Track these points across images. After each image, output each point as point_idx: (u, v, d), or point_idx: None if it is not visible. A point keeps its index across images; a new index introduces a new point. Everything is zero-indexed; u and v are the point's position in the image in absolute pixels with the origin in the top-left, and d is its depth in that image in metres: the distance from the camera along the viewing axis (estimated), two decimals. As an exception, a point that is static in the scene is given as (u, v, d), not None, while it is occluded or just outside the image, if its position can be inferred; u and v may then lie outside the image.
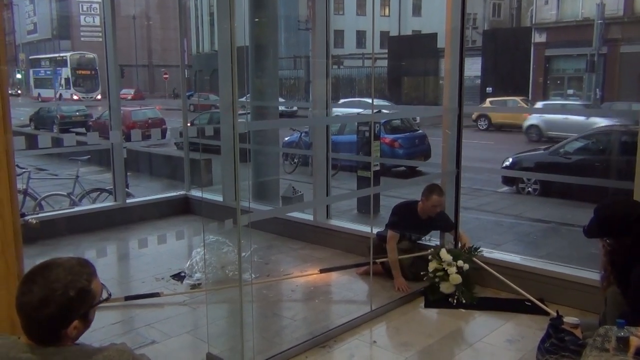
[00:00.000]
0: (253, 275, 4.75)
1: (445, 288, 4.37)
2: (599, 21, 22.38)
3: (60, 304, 1.60)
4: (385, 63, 29.51)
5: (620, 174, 9.04)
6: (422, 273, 4.51)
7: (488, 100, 21.94)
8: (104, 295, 1.77)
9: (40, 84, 34.21)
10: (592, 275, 4.01)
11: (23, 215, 3.02)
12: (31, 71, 36.48)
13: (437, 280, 4.41)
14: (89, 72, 31.70)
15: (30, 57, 38.19)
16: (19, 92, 40.07)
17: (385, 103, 18.70)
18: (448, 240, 4.91)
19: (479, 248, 4.66)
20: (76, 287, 1.63)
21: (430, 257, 4.52)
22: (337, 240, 5.58)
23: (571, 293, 4.17)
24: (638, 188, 3.77)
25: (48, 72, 33.87)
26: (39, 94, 33.33)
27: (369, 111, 5.15)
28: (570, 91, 25.39)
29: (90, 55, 32.19)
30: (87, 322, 1.70)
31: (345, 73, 32.66)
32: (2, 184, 2.39)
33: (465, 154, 4.86)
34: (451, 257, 4.42)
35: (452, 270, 4.37)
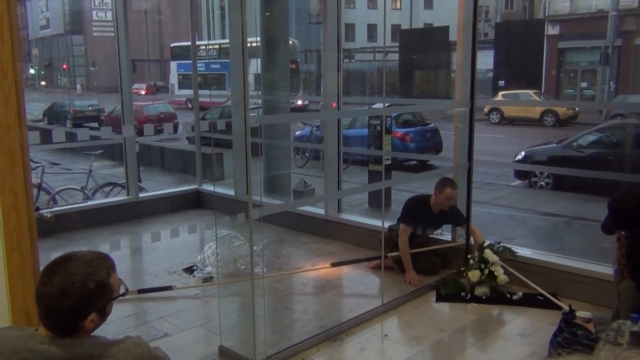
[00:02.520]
0: (264, 269, 4.77)
1: (481, 292, 4.26)
2: (614, 13, 22.08)
3: (79, 296, 1.62)
4: (396, 57, 29.32)
5: (634, 168, 8.97)
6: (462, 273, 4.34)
7: (500, 93, 21.77)
8: (122, 290, 1.80)
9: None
10: (605, 269, 3.98)
11: (37, 209, 3.06)
12: (173, 65, 26.39)
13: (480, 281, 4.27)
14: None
15: (173, 45, 27.33)
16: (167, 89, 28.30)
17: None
18: (460, 235, 4.91)
19: (515, 252, 4.51)
20: (95, 280, 1.66)
21: (471, 261, 4.36)
22: (349, 234, 5.58)
23: (584, 287, 4.15)
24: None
25: (214, 67, 22.61)
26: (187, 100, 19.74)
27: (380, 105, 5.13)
28: (584, 84, 25.12)
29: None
30: (104, 315, 1.72)
31: (356, 67, 32.56)
32: (17, 178, 2.42)
33: (477, 147, 4.84)
34: (497, 257, 4.28)
35: (500, 270, 4.25)
